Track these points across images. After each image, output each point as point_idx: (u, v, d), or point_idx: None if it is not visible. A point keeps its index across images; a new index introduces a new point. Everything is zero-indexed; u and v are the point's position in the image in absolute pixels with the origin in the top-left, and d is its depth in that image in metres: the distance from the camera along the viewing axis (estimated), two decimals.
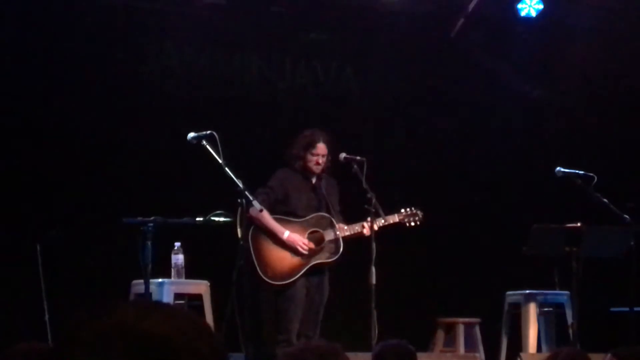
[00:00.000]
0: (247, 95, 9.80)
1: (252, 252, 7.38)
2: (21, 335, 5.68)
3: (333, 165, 7.69)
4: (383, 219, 7.51)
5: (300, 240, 7.55)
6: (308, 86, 10.08)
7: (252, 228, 7.34)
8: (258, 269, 7.41)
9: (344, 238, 7.62)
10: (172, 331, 1.32)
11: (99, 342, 1.30)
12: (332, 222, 7.64)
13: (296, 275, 7.50)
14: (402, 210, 7.84)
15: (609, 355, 4.48)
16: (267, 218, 7.50)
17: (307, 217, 7.63)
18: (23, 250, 8.02)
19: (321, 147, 7.63)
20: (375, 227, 7.47)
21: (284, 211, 7.60)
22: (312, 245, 7.58)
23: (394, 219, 7.73)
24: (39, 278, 7.82)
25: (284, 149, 7.76)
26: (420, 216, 7.86)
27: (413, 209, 7.87)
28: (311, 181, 7.71)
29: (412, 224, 7.84)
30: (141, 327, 1.31)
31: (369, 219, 7.53)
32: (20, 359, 4.01)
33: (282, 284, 7.48)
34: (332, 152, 7.70)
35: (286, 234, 7.53)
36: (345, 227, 7.64)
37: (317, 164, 7.64)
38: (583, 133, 10.28)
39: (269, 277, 7.46)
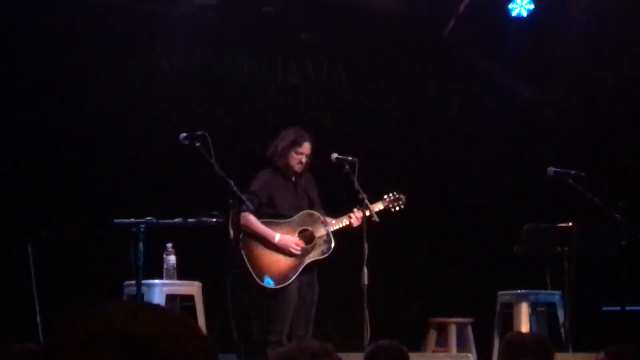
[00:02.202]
0: (239, 95, 9.79)
1: (246, 259, 7.34)
2: (13, 336, 5.67)
3: (324, 165, 7.67)
4: (369, 210, 7.49)
5: (292, 241, 7.54)
6: (299, 87, 10.08)
7: (241, 235, 7.30)
8: (254, 276, 7.37)
9: (333, 232, 7.61)
10: (161, 331, 1.32)
11: (88, 342, 1.31)
12: (319, 218, 7.63)
13: (293, 276, 7.49)
14: (385, 197, 7.82)
15: (602, 354, 4.49)
16: (256, 223, 7.47)
17: (294, 217, 7.62)
18: (14, 251, 8.01)
19: (306, 147, 7.61)
20: (360, 215, 7.47)
21: (270, 214, 7.58)
22: (303, 245, 7.57)
23: (379, 206, 7.72)
24: (31, 279, 7.80)
25: (268, 146, 7.72)
26: (404, 200, 7.84)
27: (395, 193, 7.85)
28: (291, 180, 7.69)
29: (397, 208, 7.82)
30: (130, 328, 1.32)
31: (355, 209, 7.54)
32: (13, 359, 4.00)
33: (280, 288, 7.46)
34: (317, 152, 7.69)
35: (277, 237, 7.51)
36: (333, 221, 7.64)
37: (300, 163, 7.61)
38: (574, 132, 10.30)
39: (273, 284, 7.43)
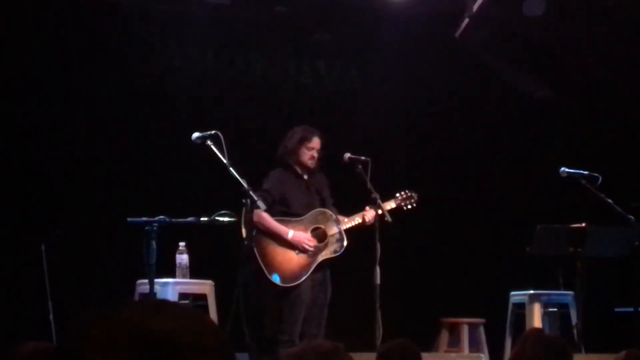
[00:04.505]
0: (251, 95, 9.81)
1: (258, 256, 7.35)
2: (26, 334, 5.69)
3: (337, 165, 7.68)
4: (382, 210, 7.48)
5: (305, 238, 7.54)
6: (312, 86, 10.09)
7: (254, 232, 7.31)
8: (266, 273, 7.38)
9: (346, 230, 7.61)
10: (178, 328, 1.33)
11: (108, 340, 1.32)
12: (331, 216, 7.64)
13: (305, 274, 7.49)
14: (397, 195, 7.82)
15: (623, 353, 4.50)
16: (269, 220, 7.48)
17: (307, 215, 7.62)
18: (28, 249, 8.03)
19: (316, 141, 7.62)
20: (373, 214, 7.46)
21: (283, 212, 7.58)
22: (316, 243, 7.58)
23: (391, 204, 7.72)
24: (44, 278, 7.83)
25: (277, 146, 7.74)
26: (416, 198, 7.84)
27: (408, 191, 7.85)
28: (304, 178, 7.70)
29: (409, 207, 7.81)
30: (148, 325, 1.33)
31: (367, 207, 7.54)
32: (26, 358, 4.01)
33: (292, 286, 7.46)
34: (330, 152, 7.70)
35: (290, 233, 7.52)
36: (346, 219, 7.64)
37: (312, 158, 7.61)
38: (587, 133, 10.28)
39: (278, 280, 7.44)
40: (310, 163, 7.63)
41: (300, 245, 7.51)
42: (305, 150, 7.61)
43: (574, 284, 7.96)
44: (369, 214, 7.54)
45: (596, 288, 8.15)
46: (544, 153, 10.09)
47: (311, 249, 7.53)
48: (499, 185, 10.21)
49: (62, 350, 1.37)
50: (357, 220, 7.62)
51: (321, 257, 7.58)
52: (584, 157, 9.26)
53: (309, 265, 7.53)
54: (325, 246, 7.60)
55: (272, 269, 7.43)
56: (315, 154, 7.62)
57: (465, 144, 10.35)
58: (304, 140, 7.61)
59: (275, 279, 7.43)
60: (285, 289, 7.45)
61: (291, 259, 7.51)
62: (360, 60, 10.26)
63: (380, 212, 7.45)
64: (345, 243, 7.58)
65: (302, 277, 7.48)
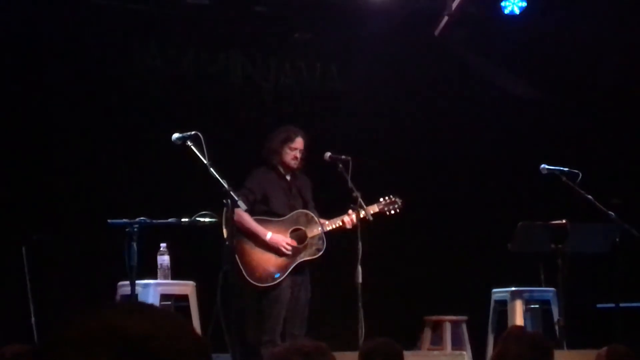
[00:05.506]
0: (232, 95, 9.79)
1: (237, 257, 7.35)
2: (7, 338, 5.66)
3: (318, 164, 7.68)
4: (364, 210, 7.49)
5: (283, 240, 7.55)
6: (293, 86, 10.08)
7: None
8: (244, 272, 7.39)
9: (326, 233, 7.62)
10: (154, 331, 1.33)
11: (84, 342, 1.31)
12: (312, 218, 7.65)
13: (283, 274, 7.51)
14: (381, 199, 7.83)
15: (604, 349, 4.52)
16: (249, 220, 7.48)
17: (287, 216, 7.63)
18: (9, 252, 7.99)
19: (299, 142, 7.64)
20: (355, 219, 7.47)
21: (264, 211, 7.59)
22: (295, 244, 7.58)
23: (374, 209, 7.72)
24: (25, 281, 7.79)
25: (261, 145, 7.74)
26: (400, 203, 7.85)
27: (392, 197, 7.86)
28: (286, 179, 7.71)
29: (392, 212, 7.82)
30: (124, 327, 1.32)
31: (349, 211, 7.55)
32: None
33: (269, 286, 7.47)
34: (311, 152, 7.70)
35: (269, 235, 7.52)
36: (327, 222, 7.65)
37: (295, 158, 7.63)
38: (568, 130, 10.31)
39: (255, 280, 7.45)
40: (293, 163, 7.64)
41: (278, 247, 7.52)
42: (288, 151, 7.62)
43: (555, 281, 7.98)
44: (351, 218, 7.53)
45: (578, 284, 8.18)
46: (525, 150, 10.11)
47: (288, 252, 7.55)
48: (481, 183, 10.23)
49: (40, 352, 1.36)
50: (337, 223, 7.63)
51: (300, 258, 7.59)
52: (565, 153, 9.29)
53: (287, 265, 7.55)
54: (305, 248, 7.61)
55: (250, 269, 7.44)
56: (298, 155, 7.63)
57: (447, 141, 10.36)
58: (287, 140, 7.62)
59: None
60: (264, 289, 7.46)
61: (269, 260, 7.52)
62: (341, 59, 10.25)
63: (363, 213, 7.46)
64: (324, 246, 7.60)
65: (280, 277, 7.49)
